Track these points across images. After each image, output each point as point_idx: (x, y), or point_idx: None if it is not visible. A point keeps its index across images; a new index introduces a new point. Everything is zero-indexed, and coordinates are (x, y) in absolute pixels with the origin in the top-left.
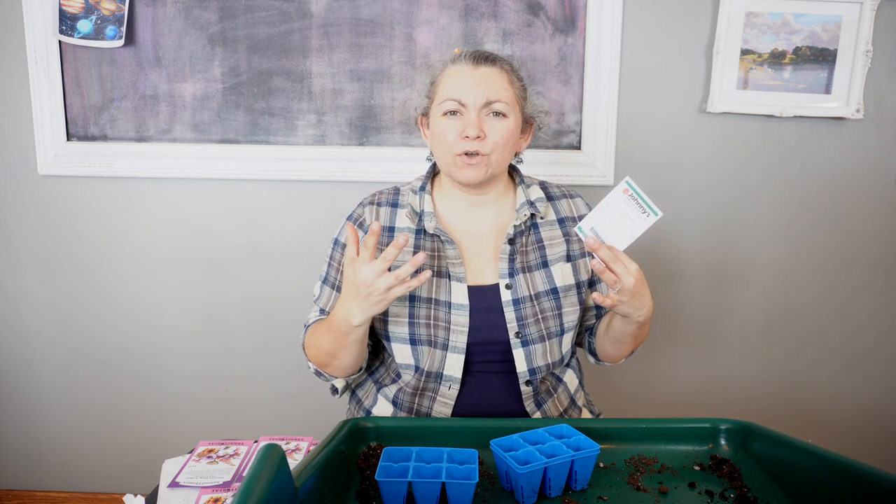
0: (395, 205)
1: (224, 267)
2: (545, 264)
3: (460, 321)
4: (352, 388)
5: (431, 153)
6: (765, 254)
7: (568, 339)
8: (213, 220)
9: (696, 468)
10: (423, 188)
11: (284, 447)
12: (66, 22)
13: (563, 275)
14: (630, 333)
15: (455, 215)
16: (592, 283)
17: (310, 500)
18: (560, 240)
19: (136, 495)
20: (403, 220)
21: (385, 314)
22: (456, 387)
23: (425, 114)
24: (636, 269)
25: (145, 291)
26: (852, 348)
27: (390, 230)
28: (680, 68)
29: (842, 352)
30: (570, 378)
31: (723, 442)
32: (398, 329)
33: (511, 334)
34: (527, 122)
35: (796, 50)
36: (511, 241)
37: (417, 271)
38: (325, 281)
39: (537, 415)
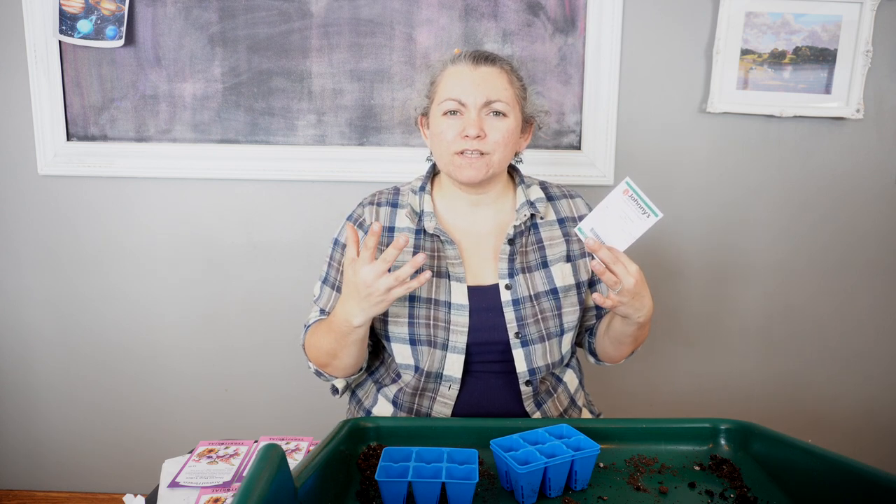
0: (394, 205)
1: (224, 267)
2: (545, 264)
3: (460, 321)
4: (352, 388)
5: (431, 153)
6: (765, 254)
7: (568, 340)
8: (213, 220)
9: (696, 468)
10: (422, 188)
11: (284, 447)
12: (66, 22)
13: (562, 275)
14: (630, 334)
15: (455, 215)
16: (592, 283)
17: (310, 500)
18: (560, 240)
19: (136, 495)
20: (403, 221)
21: (385, 314)
22: (456, 387)
23: (425, 114)
24: (636, 269)
25: (145, 291)
26: (852, 348)
27: (390, 230)
28: (680, 68)
29: (842, 352)
30: (570, 378)
31: (723, 442)
32: (398, 329)
33: (511, 334)
34: (527, 122)
35: (796, 50)
36: (511, 242)
37: (418, 272)
38: (325, 281)
39: (537, 415)
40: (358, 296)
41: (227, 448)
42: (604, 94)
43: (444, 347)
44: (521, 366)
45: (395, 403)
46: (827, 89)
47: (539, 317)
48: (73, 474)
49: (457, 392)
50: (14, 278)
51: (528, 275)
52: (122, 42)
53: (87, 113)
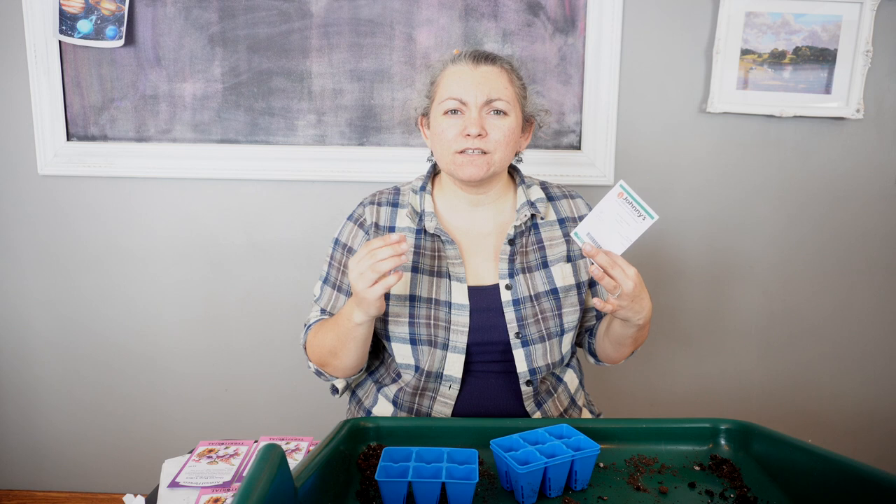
0: (395, 204)
1: (224, 267)
2: (545, 265)
3: (460, 321)
4: (352, 389)
5: (432, 153)
6: (765, 254)
7: (568, 340)
8: (213, 220)
9: (696, 468)
10: (423, 188)
11: (284, 447)
12: (66, 22)
13: (563, 275)
14: (630, 336)
15: (455, 215)
16: (592, 283)
17: (310, 500)
18: (560, 240)
19: (136, 495)
20: (404, 220)
21: (385, 314)
22: (456, 387)
23: (425, 114)
24: (634, 273)
25: (145, 291)
26: (852, 348)
27: (390, 230)
28: (680, 68)
29: (842, 352)
30: (571, 378)
31: (723, 442)
32: (398, 329)
33: (511, 334)
34: (527, 121)
35: (796, 50)
36: (511, 242)
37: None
38: (325, 281)
39: (537, 415)
40: (355, 291)
41: (227, 448)
42: (604, 94)
43: (445, 347)
44: (521, 366)
45: (395, 403)
46: (827, 89)
47: (539, 317)
48: (73, 474)
49: (457, 392)
50: (14, 278)
51: (528, 275)
52: (122, 42)
53: (87, 113)
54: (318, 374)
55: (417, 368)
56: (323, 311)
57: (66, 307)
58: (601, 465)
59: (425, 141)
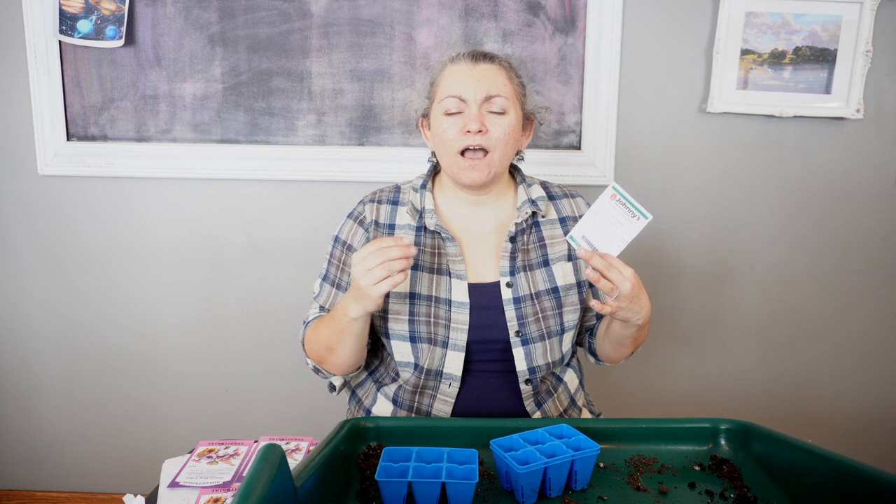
0: (395, 202)
1: (224, 267)
2: (546, 263)
3: (460, 319)
4: (352, 388)
5: (433, 155)
6: (765, 254)
7: (568, 339)
8: (213, 220)
9: (696, 468)
10: (423, 186)
11: (284, 447)
12: (66, 22)
13: (564, 274)
14: (629, 336)
15: (456, 213)
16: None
17: (310, 500)
18: (561, 239)
19: (136, 495)
20: (404, 218)
21: (385, 311)
22: (456, 385)
23: (426, 115)
24: (631, 274)
25: (145, 291)
26: (852, 348)
27: (390, 227)
28: (680, 68)
29: (842, 352)
30: (571, 378)
31: (723, 442)
32: (398, 326)
33: (511, 333)
34: (527, 120)
35: (796, 50)
36: (512, 240)
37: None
38: (324, 278)
39: (537, 414)
40: (354, 285)
41: (227, 448)
42: (604, 94)
43: (445, 345)
44: (520, 364)
45: (395, 402)
46: (827, 89)
47: (540, 315)
48: (73, 474)
49: (457, 390)
50: (14, 278)
51: (529, 273)
52: (122, 42)
53: (87, 113)
54: (316, 370)
55: (417, 366)
56: (322, 308)
57: (66, 307)
58: (601, 465)
59: (426, 143)
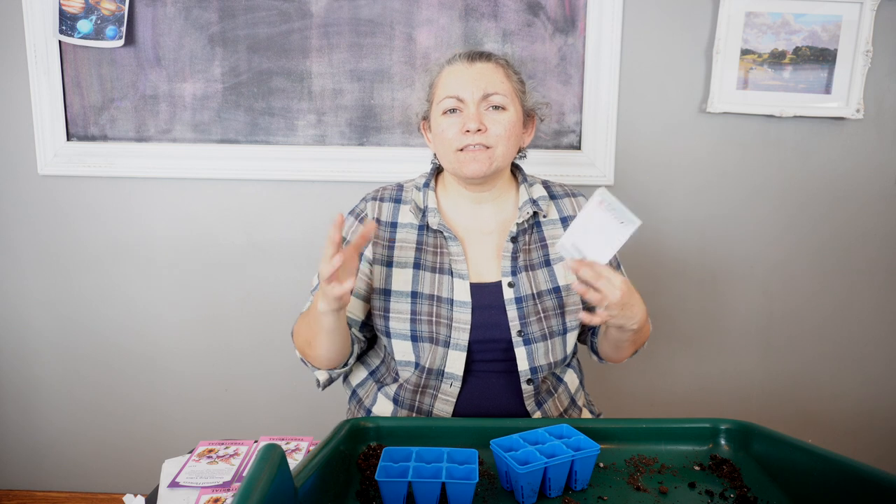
0: (398, 200)
1: (224, 267)
2: (548, 263)
3: (462, 318)
4: (352, 388)
5: (435, 156)
6: (765, 254)
7: (571, 339)
8: (213, 220)
9: (696, 468)
10: (427, 184)
11: (284, 447)
12: (66, 22)
13: (565, 273)
14: (626, 339)
15: (458, 212)
16: None
17: (310, 500)
18: None
19: (136, 495)
20: (406, 216)
21: (386, 310)
22: (457, 384)
23: (426, 117)
24: (621, 281)
25: (145, 291)
26: (852, 348)
27: (392, 225)
28: (680, 68)
29: (842, 352)
30: (571, 378)
31: (723, 442)
32: (399, 325)
33: (513, 332)
34: (528, 116)
35: (796, 50)
36: (514, 239)
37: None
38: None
39: (538, 414)
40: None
41: (227, 448)
42: (604, 94)
43: (446, 344)
44: (522, 364)
45: (395, 401)
46: (827, 89)
47: (542, 315)
48: (73, 474)
49: (458, 389)
50: (14, 278)
51: (530, 273)
52: (122, 42)
53: (87, 113)
54: (303, 361)
55: (417, 365)
56: None
57: (66, 307)
58: (601, 465)
59: (428, 145)
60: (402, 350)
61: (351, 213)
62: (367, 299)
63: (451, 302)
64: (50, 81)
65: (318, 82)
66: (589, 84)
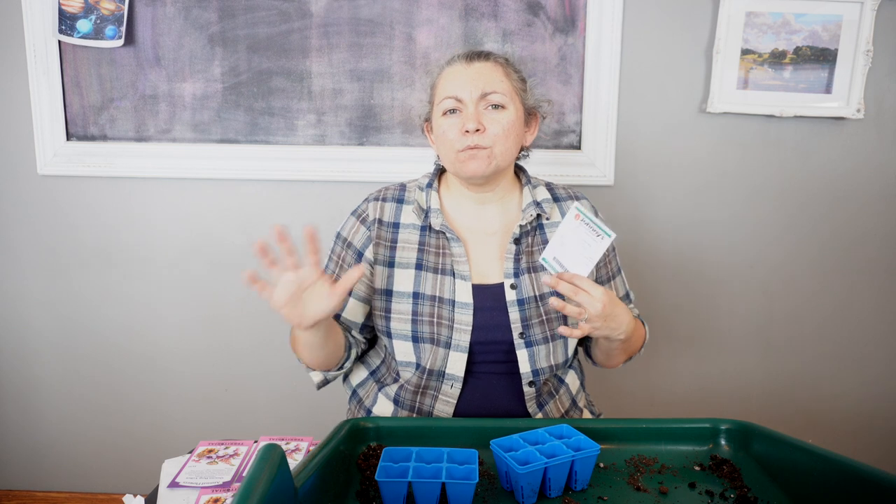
0: (400, 201)
1: (224, 267)
2: None
3: (464, 319)
4: (353, 388)
5: (438, 157)
6: (765, 254)
7: (572, 342)
8: (213, 220)
9: (697, 468)
10: (430, 185)
11: (284, 447)
12: (66, 22)
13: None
14: (616, 348)
15: (461, 213)
16: (601, 283)
17: (310, 500)
18: None
19: (136, 495)
20: (409, 217)
21: (387, 311)
22: (458, 385)
23: (429, 119)
24: (601, 293)
25: (145, 291)
26: (852, 348)
27: (395, 226)
28: (680, 68)
29: (842, 352)
30: (572, 379)
31: (723, 442)
32: (401, 326)
33: (515, 334)
34: (530, 114)
35: (797, 50)
36: (517, 241)
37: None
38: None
39: (539, 416)
40: None
41: (227, 448)
42: (604, 94)
43: (448, 345)
44: (524, 366)
45: (396, 402)
46: (827, 89)
47: (544, 318)
48: (73, 474)
49: (459, 390)
50: (14, 278)
51: (533, 275)
52: (121, 42)
53: (86, 113)
54: (300, 360)
55: (418, 366)
56: None
57: (66, 307)
58: (601, 465)
59: (431, 146)
60: (402, 351)
61: (353, 213)
62: (367, 301)
63: (452, 303)
64: (49, 81)
65: (317, 82)
66: (589, 84)
